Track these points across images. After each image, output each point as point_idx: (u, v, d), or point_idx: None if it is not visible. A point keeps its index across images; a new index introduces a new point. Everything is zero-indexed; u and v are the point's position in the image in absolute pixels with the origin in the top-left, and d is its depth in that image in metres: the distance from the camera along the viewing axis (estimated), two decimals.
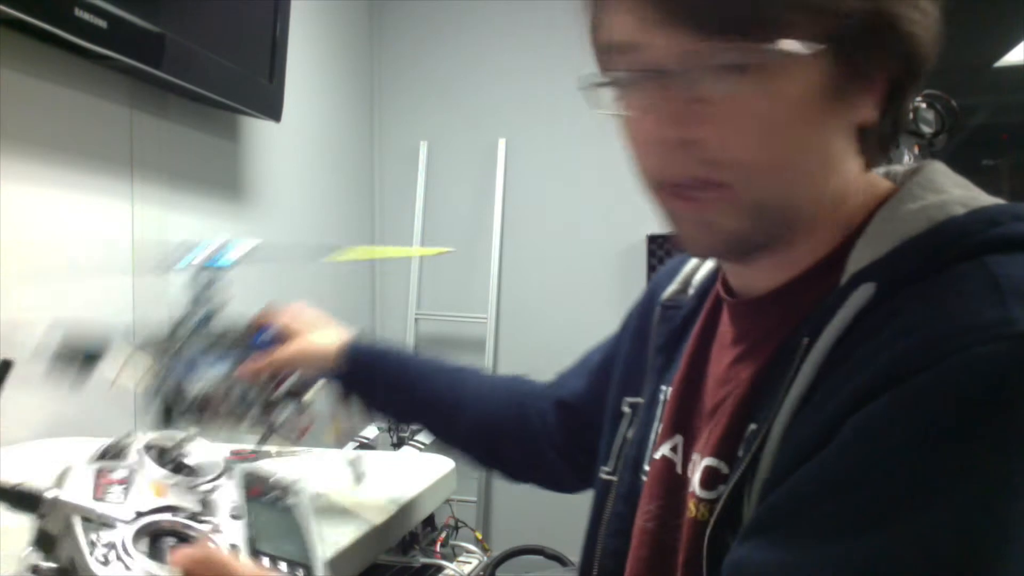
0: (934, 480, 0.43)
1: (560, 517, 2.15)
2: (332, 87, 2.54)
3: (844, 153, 0.56)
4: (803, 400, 0.51)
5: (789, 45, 0.49)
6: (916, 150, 1.55)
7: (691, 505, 0.61)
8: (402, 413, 1.01)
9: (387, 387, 0.94)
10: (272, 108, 1.91)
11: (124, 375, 0.86)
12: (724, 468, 0.59)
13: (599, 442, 0.78)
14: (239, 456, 1.00)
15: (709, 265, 0.74)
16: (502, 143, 2.70)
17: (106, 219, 1.55)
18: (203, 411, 0.87)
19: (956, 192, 0.55)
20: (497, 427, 0.94)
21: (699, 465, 0.62)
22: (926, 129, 1.59)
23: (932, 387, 0.44)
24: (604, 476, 0.74)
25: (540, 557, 2.24)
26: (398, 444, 2.28)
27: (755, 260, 0.59)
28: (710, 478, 0.60)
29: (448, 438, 0.98)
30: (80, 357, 0.83)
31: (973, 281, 0.48)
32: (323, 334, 0.95)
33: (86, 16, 1.27)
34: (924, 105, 1.61)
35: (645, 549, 0.67)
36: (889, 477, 0.44)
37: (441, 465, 1.21)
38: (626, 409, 0.75)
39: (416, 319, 2.74)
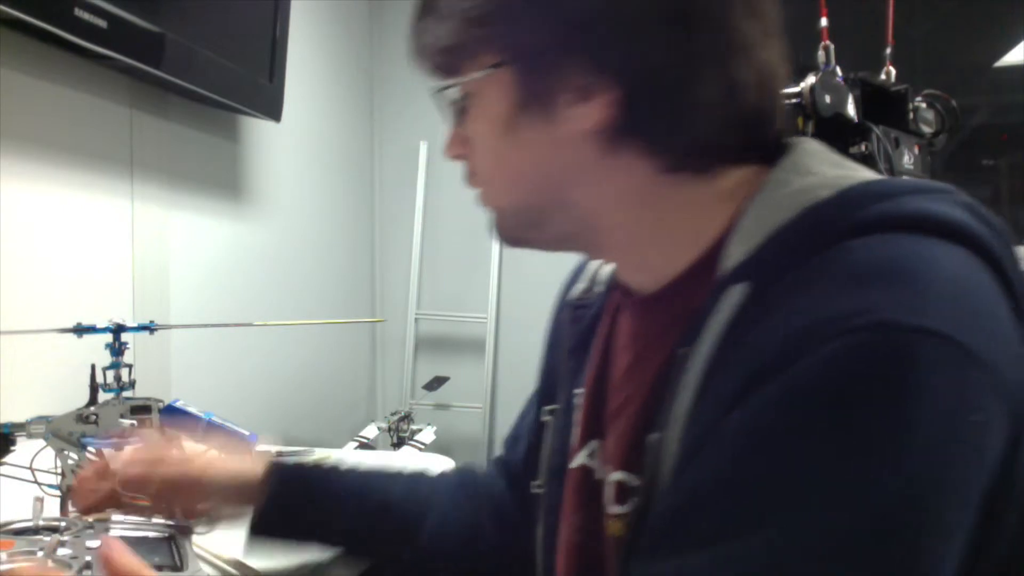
0: (797, 480, 0.43)
1: None
2: (332, 87, 2.54)
3: (589, 158, 0.56)
4: (690, 415, 0.50)
5: (468, 75, 0.57)
6: (916, 150, 1.55)
7: (608, 523, 0.60)
8: (350, 531, 0.79)
9: (331, 499, 0.77)
10: (272, 108, 1.91)
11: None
12: (634, 480, 0.58)
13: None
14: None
15: None
16: None
17: (106, 219, 1.55)
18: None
19: (827, 172, 0.53)
20: (467, 524, 0.81)
21: (609, 480, 0.61)
22: (926, 129, 1.60)
23: (793, 388, 0.44)
24: (535, 491, 0.72)
25: None
26: (398, 444, 2.28)
27: (566, 251, 0.65)
28: (621, 492, 0.59)
29: (411, 550, 0.80)
30: None
31: (831, 270, 0.47)
32: (227, 458, 0.77)
33: (86, 16, 1.27)
34: (924, 105, 1.61)
35: (573, 564, 0.65)
36: (759, 479, 0.44)
37: (441, 465, 1.21)
38: (545, 418, 0.73)
39: (416, 319, 2.74)
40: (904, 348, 0.42)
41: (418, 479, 0.85)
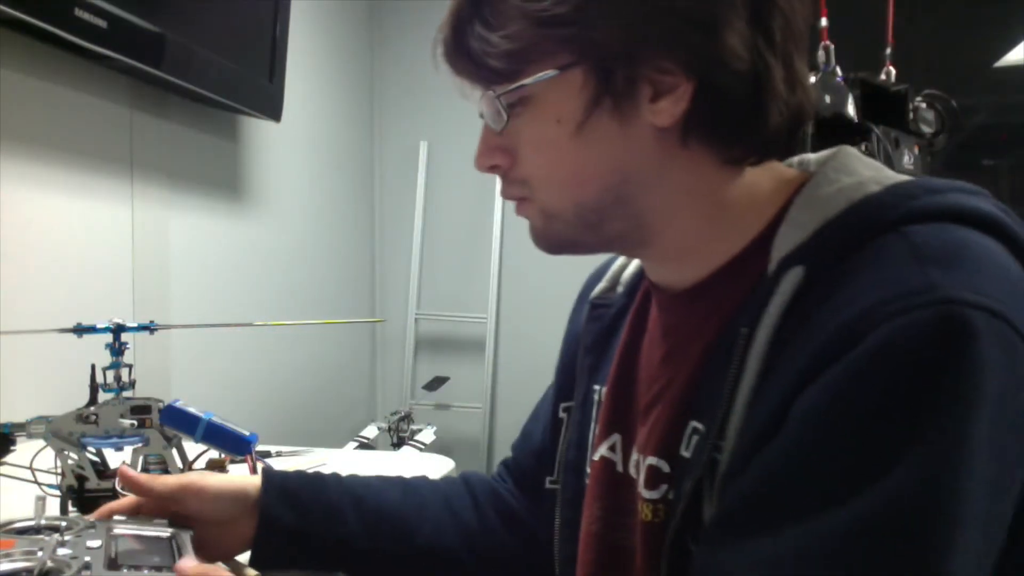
0: (885, 450, 0.45)
1: None
2: (332, 87, 2.54)
3: (657, 155, 0.57)
4: (755, 391, 0.52)
5: (533, 76, 0.56)
6: (916, 150, 1.55)
7: (640, 507, 0.61)
8: (343, 542, 0.76)
9: (328, 506, 0.76)
10: (272, 108, 1.91)
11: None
12: (665, 467, 0.59)
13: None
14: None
15: (637, 262, 0.74)
16: None
17: (106, 219, 1.55)
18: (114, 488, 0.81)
19: (868, 174, 0.57)
20: (467, 526, 0.81)
21: (642, 465, 0.62)
22: (926, 129, 1.60)
23: (866, 362, 0.46)
24: (549, 486, 0.73)
25: None
26: (398, 444, 2.28)
27: (632, 252, 0.66)
28: (653, 477, 0.60)
29: (406, 557, 0.78)
30: None
31: (894, 251, 0.50)
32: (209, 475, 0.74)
33: (86, 16, 1.27)
34: (924, 105, 1.61)
35: (593, 552, 0.66)
36: (841, 453, 0.46)
37: (441, 465, 1.21)
38: (562, 415, 0.75)
39: (416, 319, 2.74)
40: (969, 323, 0.45)
41: (415, 484, 0.83)
